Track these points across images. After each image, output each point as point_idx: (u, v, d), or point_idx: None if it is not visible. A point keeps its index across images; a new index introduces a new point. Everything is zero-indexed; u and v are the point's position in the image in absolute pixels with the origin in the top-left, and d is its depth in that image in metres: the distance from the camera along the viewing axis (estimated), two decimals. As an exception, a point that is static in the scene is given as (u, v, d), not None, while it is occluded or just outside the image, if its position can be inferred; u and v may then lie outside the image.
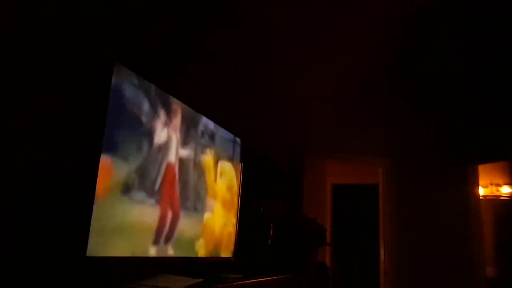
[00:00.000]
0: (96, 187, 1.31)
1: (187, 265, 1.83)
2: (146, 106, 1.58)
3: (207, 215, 2.01)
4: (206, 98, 2.19)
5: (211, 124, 2.07)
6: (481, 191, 4.33)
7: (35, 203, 1.29)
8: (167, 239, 1.70)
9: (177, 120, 1.79)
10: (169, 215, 1.71)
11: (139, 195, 1.53)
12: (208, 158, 2.03)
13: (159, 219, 1.64)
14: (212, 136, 2.08)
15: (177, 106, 1.79)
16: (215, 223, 2.09)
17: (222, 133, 2.18)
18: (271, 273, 2.16)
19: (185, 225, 1.83)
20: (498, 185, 4.88)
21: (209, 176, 2.04)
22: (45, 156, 1.33)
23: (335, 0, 2.53)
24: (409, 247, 3.71)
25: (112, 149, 1.40)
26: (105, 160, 1.36)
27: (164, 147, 1.69)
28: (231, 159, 2.28)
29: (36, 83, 1.34)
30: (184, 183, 1.83)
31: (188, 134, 1.87)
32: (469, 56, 3.08)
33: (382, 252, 3.86)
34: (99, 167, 1.33)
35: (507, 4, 2.51)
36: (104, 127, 1.36)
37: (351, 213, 5.63)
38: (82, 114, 1.45)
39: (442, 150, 3.84)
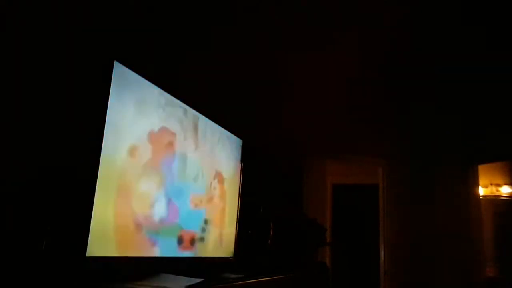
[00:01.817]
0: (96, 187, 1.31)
1: (187, 265, 1.83)
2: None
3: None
4: (206, 97, 2.18)
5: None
6: (481, 191, 4.32)
7: (34, 203, 1.29)
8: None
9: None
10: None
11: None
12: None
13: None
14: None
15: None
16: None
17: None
18: (271, 273, 2.16)
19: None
20: (498, 185, 4.88)
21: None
22: (45, 156, 1.33)
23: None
24: (409, 247, 3.71)
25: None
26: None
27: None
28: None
29: (35, 82, 1.34)
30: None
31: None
32: (468, 55, 3.08)
33: (382, 252, 3.85)
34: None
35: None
36: (104, 126, 1.35)
37: (351, 213, 5.62)
38: (82, 113, 1.45)
39: (442, 150, 3.84)
